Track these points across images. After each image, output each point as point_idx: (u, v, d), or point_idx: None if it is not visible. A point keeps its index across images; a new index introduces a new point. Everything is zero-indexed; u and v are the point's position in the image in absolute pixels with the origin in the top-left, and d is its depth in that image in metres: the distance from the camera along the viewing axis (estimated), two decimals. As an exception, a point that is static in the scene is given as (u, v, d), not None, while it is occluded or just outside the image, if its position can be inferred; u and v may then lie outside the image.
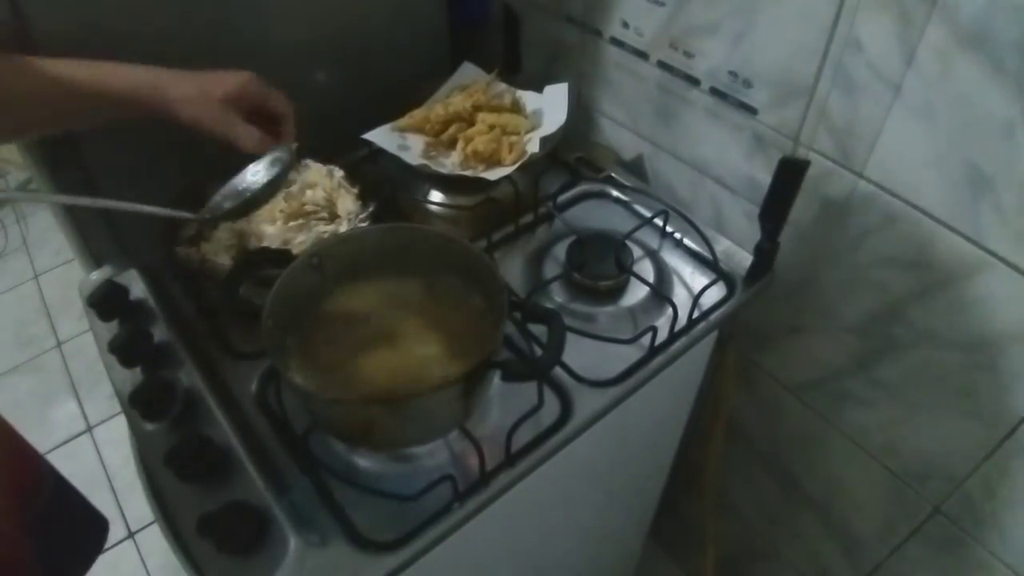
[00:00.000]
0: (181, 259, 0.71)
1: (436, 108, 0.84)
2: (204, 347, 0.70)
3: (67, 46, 0.67)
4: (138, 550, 1.51)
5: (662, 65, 0.81)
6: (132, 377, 0.67)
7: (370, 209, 0.75)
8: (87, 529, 0.79)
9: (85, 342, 1.92)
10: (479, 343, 0.57)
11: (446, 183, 0.84)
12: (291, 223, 0.74)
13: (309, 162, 0.81)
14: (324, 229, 0.73)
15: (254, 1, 0.78)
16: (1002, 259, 0.60)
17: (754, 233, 0.74)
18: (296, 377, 0.57)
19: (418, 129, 0.84)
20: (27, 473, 0.73)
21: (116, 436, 1.71)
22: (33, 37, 0.66)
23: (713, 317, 0.72)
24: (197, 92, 0.62)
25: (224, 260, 0.72)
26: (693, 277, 0.78)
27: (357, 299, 0.64)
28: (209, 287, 0.74)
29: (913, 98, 0.60)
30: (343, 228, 0.73)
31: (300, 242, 0.73)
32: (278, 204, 0.73)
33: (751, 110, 0.74)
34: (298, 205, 0.75)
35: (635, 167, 0.93)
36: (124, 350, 0.68)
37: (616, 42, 0.85)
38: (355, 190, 0.78)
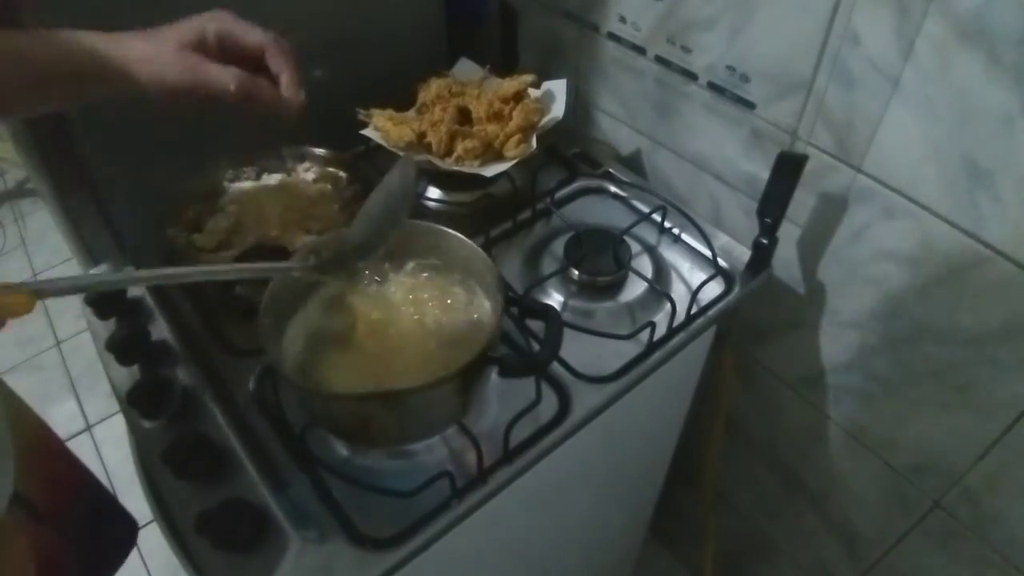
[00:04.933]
0: (168, 238, 0.70)
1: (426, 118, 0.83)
2: (201, 345, 0.70)
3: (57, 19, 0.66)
4: (138, 548, 1.50)
5: (660, 60, 0.80)
6: (130, 375, 0.67)
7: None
8: (119, 530, 0.80)
9: (84, 341, 1.92)
10: (476, 339, 0.57)
11: (443, 179, 0.83)
12: (283, 230, 0.73)
13: (309, 165, 0.81)
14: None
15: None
16: (1001, 252, 0.60)
17: (752, 228, 0.74)
18: (293, 374, 0.56)
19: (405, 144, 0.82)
20: (70, 478, 0.74)
21: (115, 434, 1.71)
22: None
23: (711, 312, 0.72)
24: (154, 48, 0.54)
25: (209, 247, 0.71)
26: (691, 272, 0.78)
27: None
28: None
29: (911, 92, 0.60)
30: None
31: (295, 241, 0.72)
32: (275, 207, 0.73)
33: (749, 105, 0.73)
34: (297, 210, 0.75)
35: (633, 163, 0.93)
36: (121, 348, 0.68)
37: (613, 37, 0.85)
38: (352, 194, 0.77)
